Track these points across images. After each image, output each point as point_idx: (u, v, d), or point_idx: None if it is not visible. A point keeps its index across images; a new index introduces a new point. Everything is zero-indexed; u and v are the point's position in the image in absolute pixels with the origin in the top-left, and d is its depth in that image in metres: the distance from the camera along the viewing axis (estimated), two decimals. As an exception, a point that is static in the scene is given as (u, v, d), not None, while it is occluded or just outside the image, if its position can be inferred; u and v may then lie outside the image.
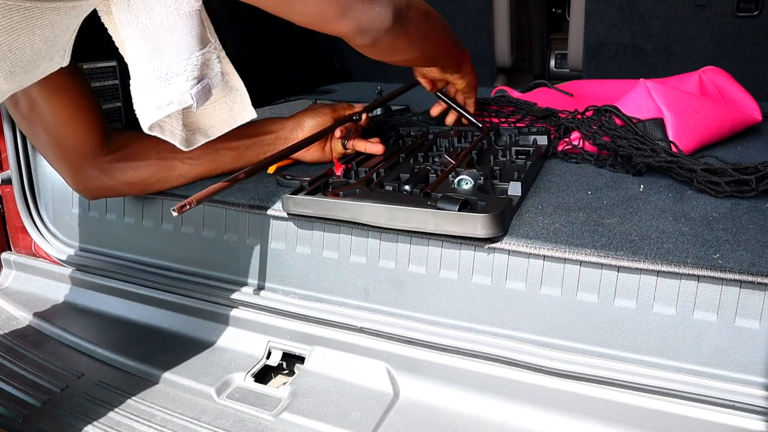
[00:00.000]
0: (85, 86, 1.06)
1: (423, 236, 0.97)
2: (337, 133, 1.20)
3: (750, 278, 0.79)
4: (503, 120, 1.50)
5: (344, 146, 1.23)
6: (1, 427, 0.96)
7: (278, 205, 1.08)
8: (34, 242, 1.39)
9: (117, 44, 0.83)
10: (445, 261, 0.97)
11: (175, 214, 0.85)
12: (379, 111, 1.75)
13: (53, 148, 1.08)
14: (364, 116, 1.27)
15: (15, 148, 1.38)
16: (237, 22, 2.06)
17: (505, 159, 1.23)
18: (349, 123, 1.23)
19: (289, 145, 1.14)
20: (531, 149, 1.25)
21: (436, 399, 0.96)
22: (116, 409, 0.98)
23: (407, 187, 1.02)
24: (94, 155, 1.08)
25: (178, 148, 0.93)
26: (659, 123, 1.24)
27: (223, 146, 1.15)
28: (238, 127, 1.02)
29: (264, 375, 1.08)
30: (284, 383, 1.02)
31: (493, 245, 0.92)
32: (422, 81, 1.38)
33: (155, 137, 0.91)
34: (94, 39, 1.60)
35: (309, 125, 1.21)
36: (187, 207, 0.86)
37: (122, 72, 1.72)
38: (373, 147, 1.21)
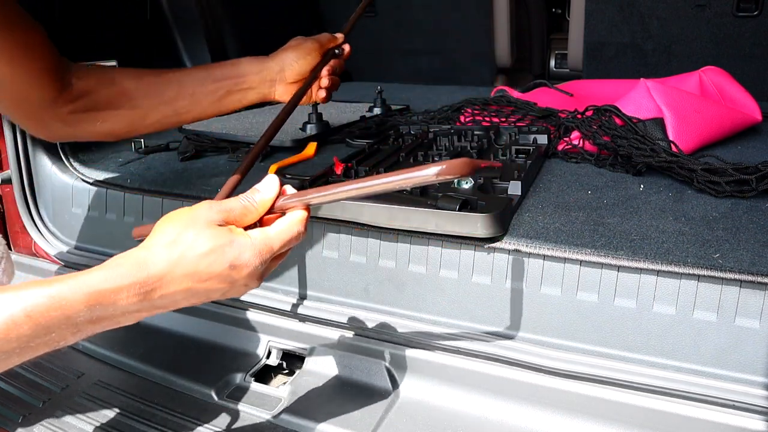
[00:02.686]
0: (23, 24, 0.87)
1: (423, 236, 0.97)
2: (324, 73, 1.11)
3: (750, 278, 0.79)
4: (503, 120, 1.50)
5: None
6: (1, 427, 0.96)
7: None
8: (34, 242, 1.39)
9: None
10: (445, 261, 0.97)
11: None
12: (379, 111, 1.75)
13: (4, 103, 0.93)
14: (346, 47, 1.19)
15: (15, 148, 1.38)
16: (237, 22, 2.06)
17: (505, 158, 1.23)
18: (334, 60, 1.15)
19: (276, 87, 1.08)
20: (531, 148, 1.25)
21: (436, 399, 0.95)
22: (116, 409, 0.98)
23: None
24: (52, 106, 0.93)
25: (151, 93, 0.86)
26: (659, 123, 1.24)
27: (201, 90, 1.03)
28: (215, 69, 0.96)
29: (264, 375, 1.08)
30: (284, 383, 1.02)
31: (493, 245, 0.92)
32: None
33: (121, 81, 0.83)
34: (94, 39, 1.60)
35: (297, 66, 1.09)
36: None
37: (122, 72, 1.72)
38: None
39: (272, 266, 0.72)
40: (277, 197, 0.72)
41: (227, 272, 0.66)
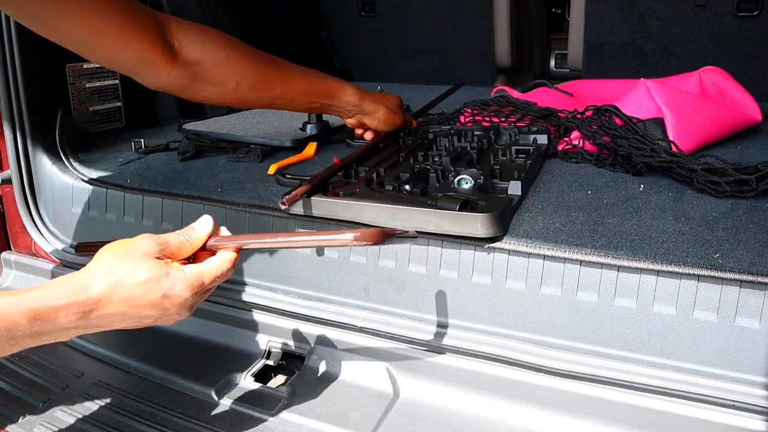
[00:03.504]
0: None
1: (423, 236, 0.97)
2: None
3: (750, 278, 0.79)
4: (503, 120, 1.50)
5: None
6: (1, 427, 0.96)
7: (278, 205, 1.08)
8: (34, 242, 1.39)
9: None
10: (445, 261, 0.97)
11: (284, 207, 0.94)
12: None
13: (105, 62, 1.02)
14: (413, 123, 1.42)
15: (15, 148, 1.38)
16: (237, 22, 2.06)
17: (505, 158, 1.23)
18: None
19: (353, 120, 1.30)
20: (531, 148, 1.25)
21: (436, 399, 0.95)
22: (116, 409, 0.98)
23: (407, 187, 1.02)
24: (158, 72, 0.98)
25: (257, 86, 1.01)
26: (659, 123, 1.24)
27: (301, 98, 1.17)
28: (319, 84, 1.13)
29: (264, 375, 1.08)
30: (284, 383, 1.02)
31: (493, 245, 0.92)
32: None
33: (232, 62, 0.98)
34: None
35: (380, 124, 1.29)
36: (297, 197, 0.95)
37: (122, 72, 1.72)
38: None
39: (202, 298, 0.79)
40: (210, 236, 0.80)
41: (160, 301, 0.72)
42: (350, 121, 1.32)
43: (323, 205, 1.00)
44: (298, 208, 1.03)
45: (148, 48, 0.95)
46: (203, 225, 0.81)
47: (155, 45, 0.96)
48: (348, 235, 0.71)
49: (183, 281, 0.74)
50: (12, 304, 0.66)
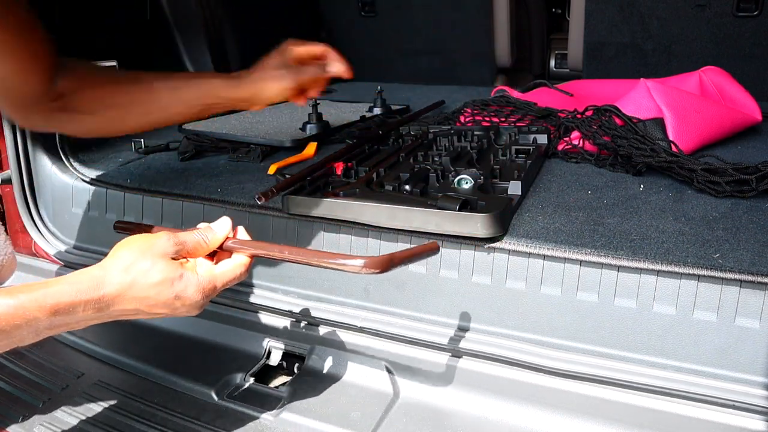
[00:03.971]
0: (25, 22, 0.87)
1: (423, 236, 0.97)
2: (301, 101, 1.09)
3: (750, 278, 0.79)
4: (503, 120, 1.50)
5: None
6: (1, 427, 0.96)
7: (278, 205, 1.08)
8: (34, 242, 1.39)
9: None
10: (445, 261, 0.97)
11: (260, 202, 0.95)
12: (378, 111, 1.75)
13: None
14: (340, 70, 1.15)
15: (15, 148, 1.38)
16: (237, 22, 2.06)
17: (505, 158, 1.23)
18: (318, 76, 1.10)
19: (250, 106, 1.09)
20: (531, 148, 1.25)
21: (436, 399, 0.95)
22: (116, 409, 0.98)
23: (407, 187, 1.02)
24: (36, 102, 0.94)
25: (126, 103, 0.91)
26: (659, 123, 1.24)
27: (175, 104, 1.04)
28: (187, 86, 1.00)
29: (264, 375, 1.08)
30: (284, 383, 1.02)
31: (493, 245, 0.92)
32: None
33: (101, 85, 0.89)
34: (94, 39, 1.60)
35: (268, 94, 1.06)
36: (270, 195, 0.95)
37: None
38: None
39: (211, 298, 0.80)
40: (228, 238, 0.82)
41: (172, 301, 0.75)
42: (253, 108, 1.12)
43: (324, 205, 1.00)
44: (298, 208, 1.03)
45: (39, 74, 0.91)
46: (221, 227, 0.82)
47: (45, 74, 0.92)
48: (357, 262, 0.74)
49: (196, 284, 0.76)
50: (33, 301, 0.69)
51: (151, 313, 0.76)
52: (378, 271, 0.74)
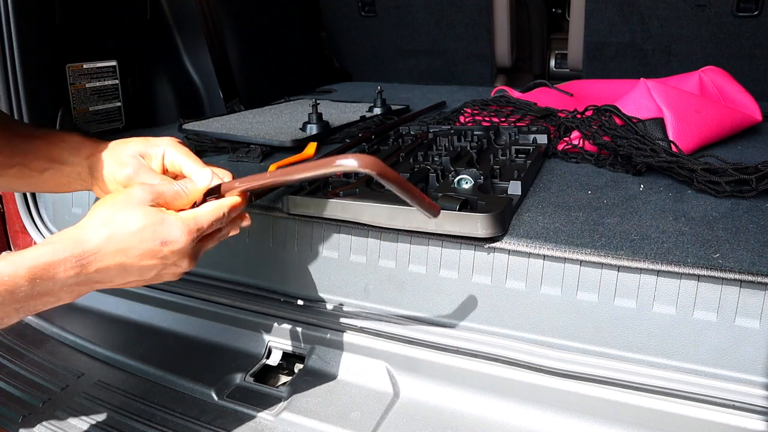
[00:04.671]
0: None
1: (423, 236, 0.97)
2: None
3: (750, 278, 0.79)
4: (503, 120, 1.50)
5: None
6: (1, 427, 0.96)
7: (278, 204, 1.08)
8: (34, 242, 1.39)
9: None
10: (445, 261, 0.97)
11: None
12: (379, 111, 1.75)
13: None
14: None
15: (15, 148, 1.38)
16: (237, 22, 2.06)
17: (505, 158, 1.23)
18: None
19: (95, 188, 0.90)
20: (531, 148, 1.25)
21: (436, 399, 0.95)
22: (116, 409, 0.98)
23: (407, 187, 1.02)
24: None
25: None
26: (659, 123, 1.24)
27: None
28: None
29: (264, 375, 1.08)
30: (284, 383, 1.02)
31: (493, 245, 0.92)
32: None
33: None
34: (94, 39, 1.60)
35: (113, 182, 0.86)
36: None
37: (122, 72, 1.72)
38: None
39: (202, 247, 0.76)
40: (209, 189, 0.77)
41: (158, 248, 0.70)
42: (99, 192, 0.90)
43: (324, 205, 1.00)
44: (298, 208, 1.03)
45: None
46: (202, 177, 0.78)
47: None
48: (350, 161, 0.66)
49: (180, 226, 0.71)
50: (10, 265, 0.64)
51: (139, 268, 0.70)
52: (375, 172, 0.67)
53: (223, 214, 0.75)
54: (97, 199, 0.73)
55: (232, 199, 0.76)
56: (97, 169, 0.86)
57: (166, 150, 0.85)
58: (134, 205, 0.71)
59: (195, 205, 0.77)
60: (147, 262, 0.70)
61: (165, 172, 0.87)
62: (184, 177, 0.83)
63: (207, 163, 0.85)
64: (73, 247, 0.67)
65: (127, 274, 0.71)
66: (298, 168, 0.70)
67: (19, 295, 0.65)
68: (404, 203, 0.95)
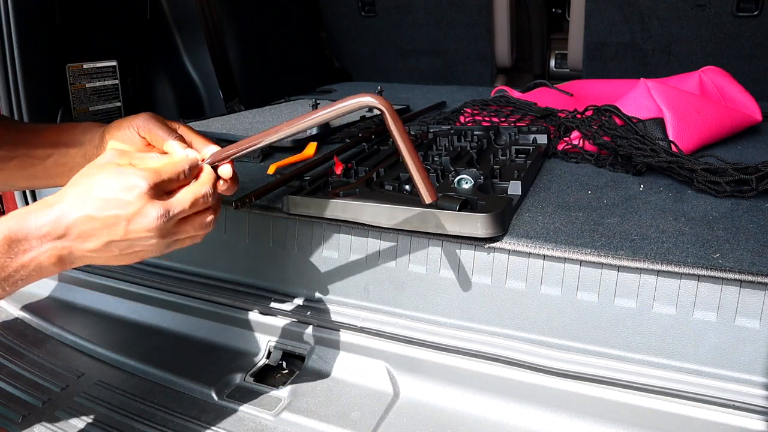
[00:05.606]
0: None
1: (423, 236, 0.97)
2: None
3: (750, 278, 0.79)
4: (503, 120, 1.50)
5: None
6: (1, 427, 0.96)
7: (278, 204, 1.08)
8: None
9: None
10: (445, 261, 0.97)
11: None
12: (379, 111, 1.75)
13: None
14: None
15: (15, 148, 1.38)
16: (237, 22, 2.06)
17: (505, 158, 1.23)
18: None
19: None
20: (531, 148, 1.25)
21: (436, 399, 0.95)
22: (116, 409, 0.98)
23: (407, 187, 1.02)
24: None
25: None
26: (659, 123, 1.24)
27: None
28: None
29: (264, 375, 1.08)
30: (284, 383, 1.02)
31: (493, 245, 0.92)
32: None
33: None
34: (94, 39, 1.60)
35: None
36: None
37: (122, 72, 1.72)
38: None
39: (175, 209, 0.72)
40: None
41: (120, 197, 0.69)
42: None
43: (324, 205, 1.00)
44: (298, 208, 1.03)
45: None
46: (172, 147, 0.80)
47: None
48: (366, 98, 0.68)
49: (139, 173, 0.70)
50: None
51: (104, 218, 0.69)
52: (384, 106, 0.68)
53: (182, 170, 0.74)
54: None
55: (191, 157, 0.76)
56: (107, 136, 0.89)
57: (140, 124, 0.86)
58: (98, 165, 0.72)
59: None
60: (109, 211, 0.69)
61: (147, 146, 0.88)
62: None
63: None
64: (43, 206, 0.69)
65: (97, 230, 0.70)
66: (294, 123, 0.74)
67: None
68: (404, 203, 0.95)
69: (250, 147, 0.79)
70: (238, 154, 0.79)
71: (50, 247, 0.69)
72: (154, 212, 0.70)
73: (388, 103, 0.69)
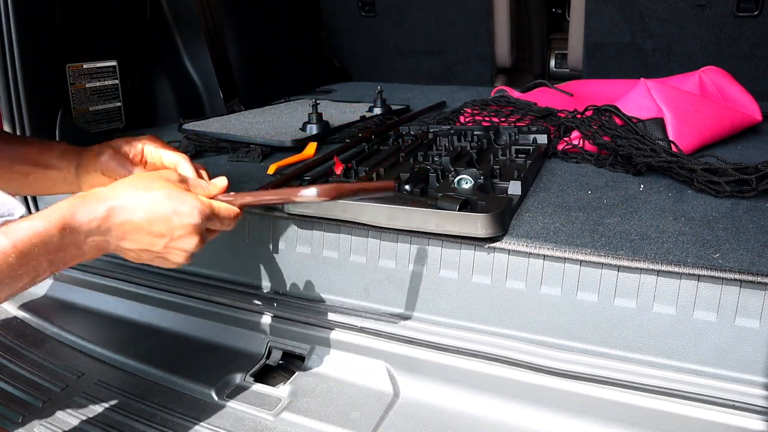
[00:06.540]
0: None
1: (423, 236, 0.97)
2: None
3: (750, 278, 0.79)
4: (503, 120, 1.50)
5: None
6: (1, 427, 0.96)
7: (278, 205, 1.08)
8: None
9: None
10: (445, 261, 0.97)
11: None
12: (379, 111, 1.75)
13: None
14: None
15: (15, 148, 1.38)
16: (237, 22, 2.06)
17: (505, 158, 1.23)
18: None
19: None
20: (531, 148, 1.25)
21: (436, 399, 0.95)
22: (116, 409, 0.98)
23: (407, 187, 1.02)
24: None
25: None
26: (659, 123, 1.24)
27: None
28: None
29: (264, 375, 1.08)
30: (284, 383, 1.02)
31: (493, 245, 0.92)
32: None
33: None
34: (94, 39, 1.60)
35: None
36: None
37: (122, 72, 1.72)
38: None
39: (206, 239, 0.82)
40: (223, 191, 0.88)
41: (170, 216, 0.76)
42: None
43: (324, 205, 1.00)
44: (298, 208, 1.03)
45: None
46: (220, 180, 0.88)
47: None
48: (312, 191, 0.78)
49: (194, 203, 0.78)
50: (44, 219, 0.71)
51: (150, 232, 0.76)
52: (327, 198, 0.77)
53: (233, 215, 0.84)
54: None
55: (237, 210, 0.86)
56: (87, 169, 0.97)
57: (145, 145, 0.96)
58: (161, 179, 0.79)
59: None
60: (158, 227, 0.76)
61: (145, 164, 0.97)
62: (165, 167, 0.95)
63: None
64: (96, 201, 0.75)
65: (138, 235, 0.77)
66: (272, 195, 0.85)
67: (51, 246, 0.71)
68: (404, 203, 0.95)
69: (272, 201, 0.87)
70: (257, 203, 0.88)
71: (96, 239, 0.75)
72: (194, 242, 0.79)
73: (330, 189, 0.79)
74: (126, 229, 0.76)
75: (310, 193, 0.78)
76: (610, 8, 2.02)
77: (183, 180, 0.82)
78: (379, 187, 0.85)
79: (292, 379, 1.03)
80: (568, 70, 2.46)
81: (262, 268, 1.14)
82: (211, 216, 0.80)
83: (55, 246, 0.71)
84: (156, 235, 0.77)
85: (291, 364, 1.09)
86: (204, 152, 1.47)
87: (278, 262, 1.11)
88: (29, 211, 1.41)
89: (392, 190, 0.83)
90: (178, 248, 0.79)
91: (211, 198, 0.84)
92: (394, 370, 1.00)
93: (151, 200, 0.76)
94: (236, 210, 0.85)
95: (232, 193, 0.88)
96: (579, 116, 1.36)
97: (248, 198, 0.86)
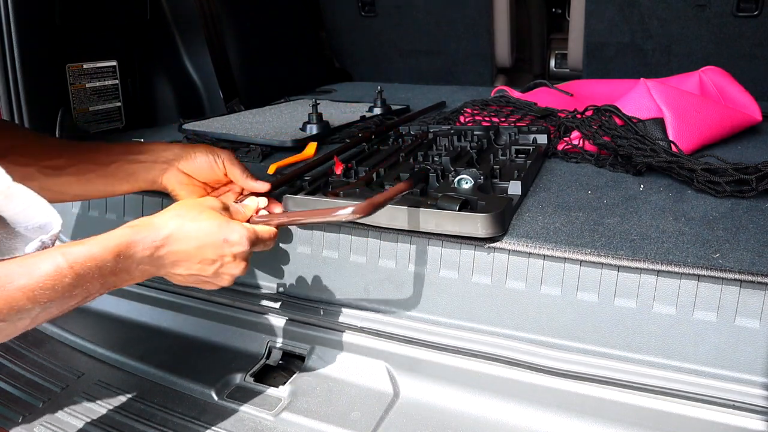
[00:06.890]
0: None
1: (423, 236, 0.97)
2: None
3: (750, 278, 0.79)
4: (503, 120, 1.50)
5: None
6: (1, 427, 0.96)
7: (278, 204, 1.08)
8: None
9: None
10: (445, 261, 0.97)
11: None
12: (379, 110, 1.75)
13: None
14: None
15: (15, 148, 1.38)
16: (237, 22, 2.06)
17: (505, 158, 1.23)
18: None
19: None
20: (531, 148, 1.25)
21: (436, 399, 0.95)
22: (116, 409, 0.98)
23: (407, 187, 1.02)
24: None
25: (37, 153, 0.91)
26: (659, 123, 1.24)
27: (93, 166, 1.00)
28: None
29: (264, 375, 1.08)
30: (284, 383, 1.02)
31: (493, 245, 0.92)
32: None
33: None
34: (94, 39, 1.60)
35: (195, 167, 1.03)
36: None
37: (122, 72, 1.72)
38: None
39: (248, 258, 0.88)
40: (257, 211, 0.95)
41: (221, 244, 0.82)
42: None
43: (323, 206, 1.00)
44: (298, 208, 1.03)
45: None
46: (253, 201, 0.95)
47: None
48: (348, 210, 0.82)
49: (242, 232, 0.83)
50: (99, 245, 0.74)
51: (201, 259, 0.81)
52: (363, 215, 0.81)
53: (273, 236, 0.90)
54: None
55: (274, 230, 0.91)
56: (184, 155, 1.02)
57: (225, 159, 1.03)
58: (207, 208, 0.84)
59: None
60: (209, 255, 0.82)
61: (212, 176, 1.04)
62: (232, 183, 1.05)
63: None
64: (150, 231, 0.78)
65: (189, 262, 0.82)
66: (308, 215, 0.90)
67: (105, 270, 0.74)
68: (404, 203, 0.95)
69: (307, 221, 0.91)
70: (292, 223, 0.92)
71: (147, 265, 0.79)
72: (242, 267, 0.85)
73: (365, 207, 0.83)
74: (179, 257, 0.81)
75: (345, 212, 0.82)
76: (610, 8, 2.01)
77: (225, 208, 0.87)
78: (401, 189, 0.89)
79: (292, 379, 1.03)
80: (568, 70, 2.46)
81: (262, 268, 1.14)
82: (256, 241, 0.86)
83: (108, 270, 0.74)
84: (207, 263, 0.82)
85: (291, 364, 1.09)
86: (204, 152, 1.47)
87: (278, 262, 1.11)
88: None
89: (411, 188, 0.91)
90: (227, 273, 0.85)
91: (247, 220, 0.90)
92: (394, 370, 1.00)
93: (203, 230, 0.81)
94: (274, 230, 0.90)
95: (267, 214, 0.94)
96: (579, 116, 1.36)
97: (284, 218, 0.92)
